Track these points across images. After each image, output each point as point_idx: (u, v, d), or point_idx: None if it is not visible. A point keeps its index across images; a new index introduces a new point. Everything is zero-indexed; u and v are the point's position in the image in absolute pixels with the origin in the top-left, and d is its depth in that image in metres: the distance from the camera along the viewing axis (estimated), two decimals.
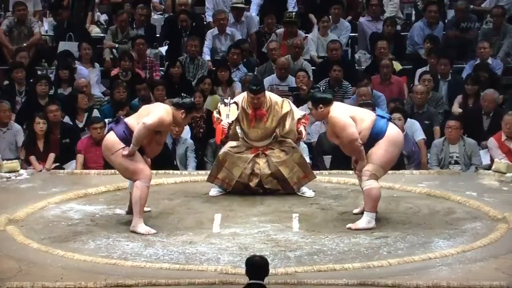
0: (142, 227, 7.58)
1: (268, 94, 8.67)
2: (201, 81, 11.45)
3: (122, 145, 7.63)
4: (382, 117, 7.80)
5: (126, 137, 7.64)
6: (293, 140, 8.65)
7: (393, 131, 7.75)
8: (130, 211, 7.80)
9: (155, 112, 7.65)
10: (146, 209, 7.84)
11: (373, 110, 9.72)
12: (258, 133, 8.62)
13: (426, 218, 8.00)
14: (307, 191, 8.69)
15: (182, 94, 9.76)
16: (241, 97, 8.67)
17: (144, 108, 7.92)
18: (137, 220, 7.60)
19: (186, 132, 10.52)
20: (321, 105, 7.76)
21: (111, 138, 7.69)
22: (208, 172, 9.00)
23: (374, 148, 7.67)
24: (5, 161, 9.42)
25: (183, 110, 7.74)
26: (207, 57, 12.47)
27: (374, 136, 7.67)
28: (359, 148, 7.66)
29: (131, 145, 7.60)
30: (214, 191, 8.68)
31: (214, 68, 12.04)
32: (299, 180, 8.68)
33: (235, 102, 8.58)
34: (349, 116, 7.69)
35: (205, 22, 13.16)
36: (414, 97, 10.99)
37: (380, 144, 7.67)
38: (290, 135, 8.62)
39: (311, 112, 8.07)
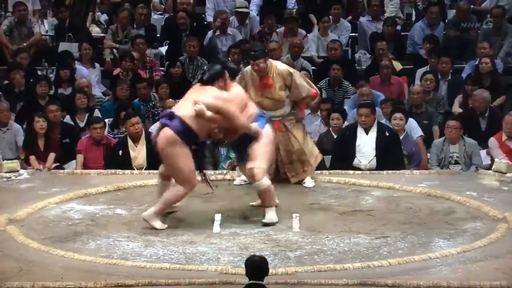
0: (157, 223, 7.57)
1: (275, 63, 8.72)
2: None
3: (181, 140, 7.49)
4: (262, 116, 7.83)
5: (184, 131, 7.49)
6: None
7: (269, 130, 7.83)
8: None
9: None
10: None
11: (373, 110, 9.73)
12: (269, 101, 8.64)
13: (426, 218, 8.00)
14: (307, 180, 8.75)
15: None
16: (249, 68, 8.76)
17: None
18: (155, 213, 7.56)
19: None
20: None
21: (170, 133, 7.48)
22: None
23: (254, 146, 7.70)
24: (5, 161, 9.43)
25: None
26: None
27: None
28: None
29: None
30: (238, 180, 8.72)
31: None
32: (298, 174, 8.75)
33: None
34: None
35: (205, 22, 13.17)
36: (411, 97, 11.00)
37: (259, 141, 7.70)
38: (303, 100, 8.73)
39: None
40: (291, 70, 8.80)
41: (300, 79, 8.73)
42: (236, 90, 7.76)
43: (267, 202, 7.79)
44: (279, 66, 8.72)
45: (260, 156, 7.71)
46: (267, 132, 7.80)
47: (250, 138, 7.70)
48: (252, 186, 7.84)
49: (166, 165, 7.68)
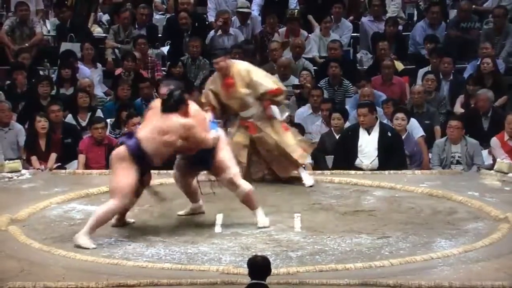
0: (84, 239, 7.24)
1: (236, 62, 8.80)
2: (205, 81, 11.43)
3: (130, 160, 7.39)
4: (213, 122, 7.73)
5: (137, 152, 7.37)
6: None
7: (222, 133, 7.73)
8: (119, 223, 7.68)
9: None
10: (130, 220, 7.76)
11: (374, 110, 9.72)
12: (236, 102, 8.69)
13: (428, 218, 7.99)
14: (305, 179, 8.75)
15: None
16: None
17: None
18: (84, 232, 7.27)
19: None
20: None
21: (123, 149, 7.41)
22: None
23: (218, 153, 7.56)
24: (7, 161, 9.43)
25: None
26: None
27: None
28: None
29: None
30: None
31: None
32: (285, 169, 8.85)
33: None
34: None
35: (207, 22, 13.17)
36: (412, 97, 11.01)
37: (220, 148, 7.58)
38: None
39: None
40: (250, 67, 8.81)
41: (258, 76, 8.75)
42: (194, 109, 7.59)
43: (252, 206, 7.70)
44: (238, 65, 8.77)
45: (229, 162, 7.61)
46: (222, 136, 7.69)
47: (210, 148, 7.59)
48: (235, 194, 7.71)
49: (111, 178, 7.50)
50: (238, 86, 8.67)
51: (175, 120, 7.42)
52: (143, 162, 7.39)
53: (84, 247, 7.18)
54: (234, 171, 7.63)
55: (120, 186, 7.35)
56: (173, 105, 7.43)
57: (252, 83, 8.69)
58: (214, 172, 7.69)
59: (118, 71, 12.05)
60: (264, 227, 7.65)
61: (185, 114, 7.47)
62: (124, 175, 7.36)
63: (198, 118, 7.54)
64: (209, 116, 7.85)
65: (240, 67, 8.75)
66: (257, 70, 8.89)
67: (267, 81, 8.79)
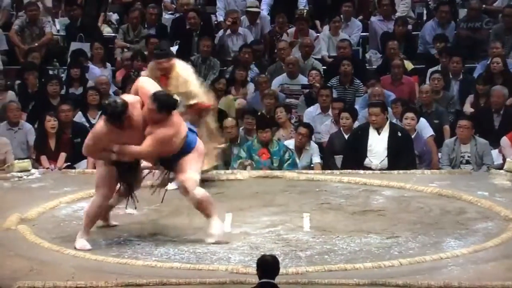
0: (78, 242, 7.26)
1: (180, 67, 8.56)
2: (216, 81, 11.44)
3: None
4: (192, 131, 7.44)
5: None
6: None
7: (201, 144, 7.44)
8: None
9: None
10: (113, 222, 7.73)
11: (384, 109, 9.70)
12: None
13: (437, 218, 7.98)
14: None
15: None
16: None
17: None
18: (81, 233, 7.31)
19: None
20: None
21: None
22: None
23: (184, 157, 7.29)
24: (16, 161, 9.45)
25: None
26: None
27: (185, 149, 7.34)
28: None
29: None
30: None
31: (225, 68, 12.08)
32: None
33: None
34: None
35: (215, 22, 13.18)
36: (420, 96, 11.00)
37: (191, 155, 7.32)
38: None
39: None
40: (189, 78, 8.53)
41: (195, 87, 8.52)
42: (134, 119, 7.24)
43: (206, 213, 7.38)
44: (180, 71, 8.55)
45: (190, 167, 7.30)
46: (198, 145, 7.39)
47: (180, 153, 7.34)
48: (186, 200, 7.43)
49: None
50: (170, 88, 8.41)
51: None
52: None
53: (81, 250, 7.16)
54: (189, 176, 7.28)
55: (97, 182, 7.36)
56: (107, 115, 7.18)
57: (188, 92, 8.46)
58: (175, 173, 7.43)
59: (119, 73, 12.06)
60: (213, 243, 7.29)
61: (120, 127, 7.15)
62: (98, 170, 7.39)
63: (133, 134, 7.20)
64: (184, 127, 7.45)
65: (182, 73, 8.52)
66: (195, 81, 8.60)
67: (200, 93, 8.57)
